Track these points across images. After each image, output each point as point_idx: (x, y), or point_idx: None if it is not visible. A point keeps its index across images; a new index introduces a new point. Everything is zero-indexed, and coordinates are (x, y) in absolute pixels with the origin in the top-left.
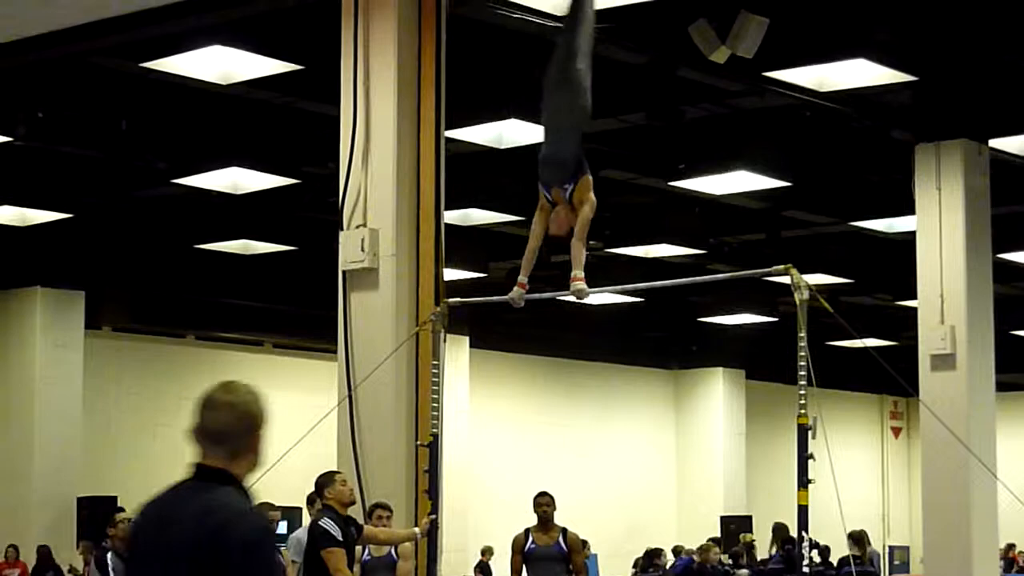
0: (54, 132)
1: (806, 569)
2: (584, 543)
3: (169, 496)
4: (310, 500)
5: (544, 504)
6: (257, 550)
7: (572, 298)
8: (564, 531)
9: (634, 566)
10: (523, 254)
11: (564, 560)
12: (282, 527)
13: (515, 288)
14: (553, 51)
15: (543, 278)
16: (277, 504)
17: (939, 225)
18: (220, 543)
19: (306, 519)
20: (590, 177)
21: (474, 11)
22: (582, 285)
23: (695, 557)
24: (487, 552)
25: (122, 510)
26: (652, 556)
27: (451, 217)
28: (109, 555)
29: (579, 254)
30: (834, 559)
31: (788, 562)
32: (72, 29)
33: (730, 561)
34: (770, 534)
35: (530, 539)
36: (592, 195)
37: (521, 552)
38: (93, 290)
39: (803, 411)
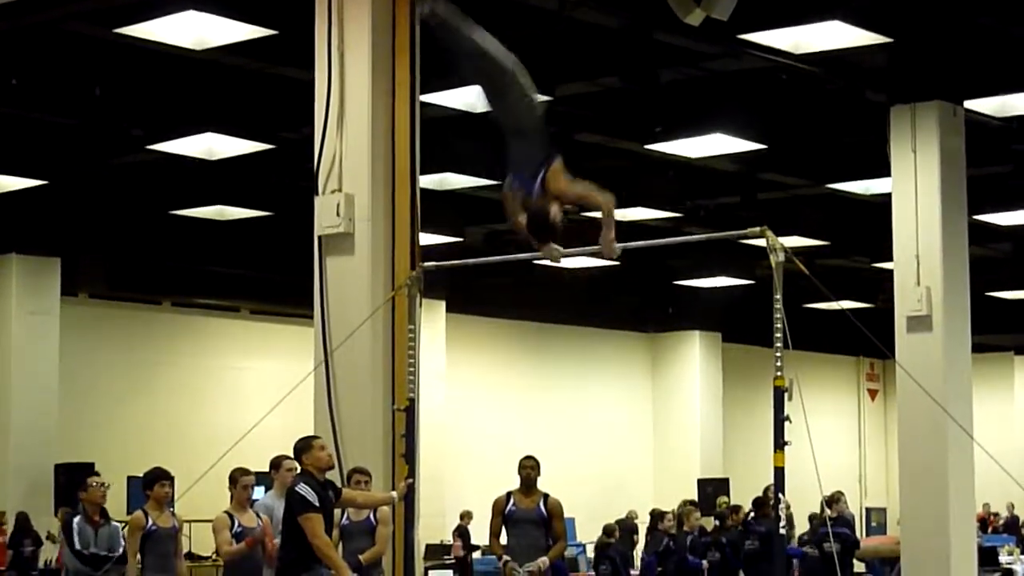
0: (28, 99)
1: (782, 531)
2: None
3: None
4: (274, 465)
5: (529, 467)
6: None
7: (547, 262)
8: (545, 496)
9: (604, 533)
10: (499, 217)
11: (543, 524)
12: (259, 492)
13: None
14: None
15: (519, 243)
16: (256, 470)
17: (914, 187)
18: None
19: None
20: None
21: None
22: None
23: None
24: (466, 516)
25: (96, 474)
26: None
27: (427, 182)
28: (76, 519)
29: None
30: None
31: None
32: None
33: (717, 523)
34: (750, 496)
35: (511, 501)
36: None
37: (501, 514)
38: (69, 257)
39: (779, 373)
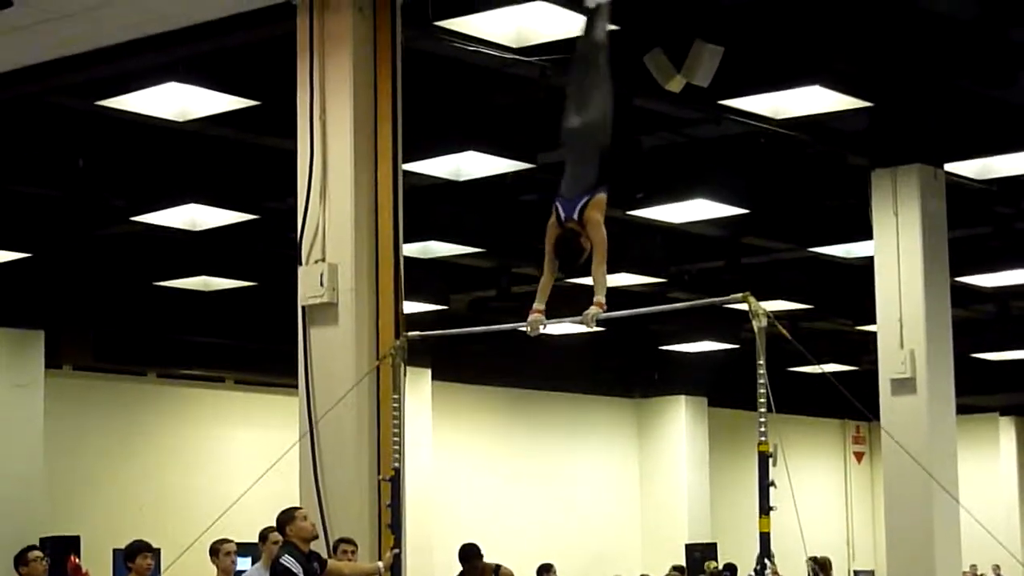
0: (11, 171)
1: None
2: (549, 567)
3: None
4: (262, 536)
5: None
6: None
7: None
8: (497, 568)
9: None
10: (485, 286)
11: None
12: (245, 563)
13: (532, 315)
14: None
15: (504, 309)
16: (242, 540)
17: (897, 249)
18: None
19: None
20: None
21: (429, 44)
22: (597, 310)
23: None
24: None
25: (34, 548)
26: None
27: (411, 250)
28: None
29: (601, 277)
30: None
31: None
32: (27, 68)
33: None
34: (736, 561)
35: None
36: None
37: None
38: (53, 329)
39: (763, 438)
